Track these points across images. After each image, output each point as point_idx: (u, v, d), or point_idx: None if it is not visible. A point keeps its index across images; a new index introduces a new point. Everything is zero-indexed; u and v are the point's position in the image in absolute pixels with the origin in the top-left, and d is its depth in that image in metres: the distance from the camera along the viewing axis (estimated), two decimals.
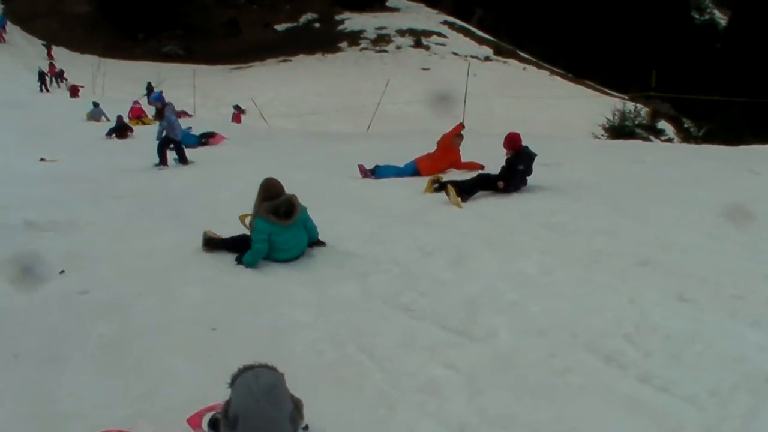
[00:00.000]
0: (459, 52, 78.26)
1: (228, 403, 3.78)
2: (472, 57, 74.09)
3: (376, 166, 16.35)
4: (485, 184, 13.50)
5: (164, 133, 20.88)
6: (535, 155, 13.60)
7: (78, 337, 7.47)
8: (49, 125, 29.75)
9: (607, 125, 33.76)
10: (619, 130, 32.23)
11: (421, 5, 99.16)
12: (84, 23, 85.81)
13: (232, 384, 3.83)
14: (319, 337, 7.18)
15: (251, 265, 9.54)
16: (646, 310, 7.18)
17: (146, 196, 15.14)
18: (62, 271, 9.66)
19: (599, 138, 32.03)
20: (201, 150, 24.87)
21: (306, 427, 4.86)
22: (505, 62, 78.20)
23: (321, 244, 10.34)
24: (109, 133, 29.85)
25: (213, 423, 5.06)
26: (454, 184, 13.17)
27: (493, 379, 6.10)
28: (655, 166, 15.84)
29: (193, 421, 5.38)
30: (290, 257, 9.78)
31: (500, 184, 13.34)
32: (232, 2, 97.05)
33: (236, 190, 11.90)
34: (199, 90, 49.93)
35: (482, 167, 15.36)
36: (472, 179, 13.69)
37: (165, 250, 10.69)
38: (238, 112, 46.00)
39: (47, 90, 49.77)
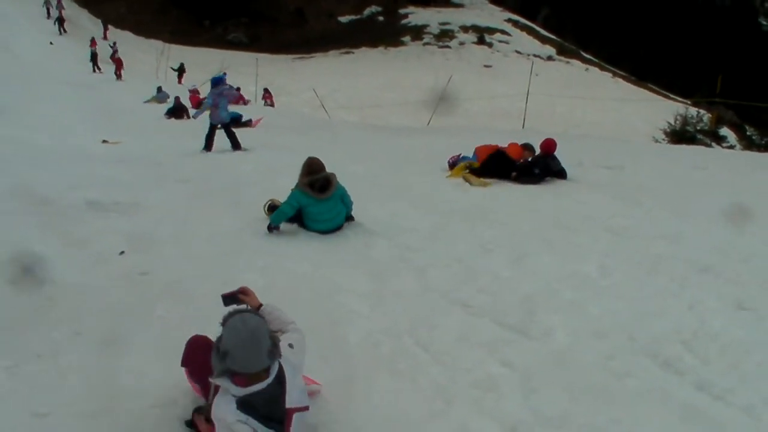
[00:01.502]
0: (522, 51, 78.01)
1: (219, 339, 4.64)
2: (535, 56, 73.84)
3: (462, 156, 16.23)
4: (500, 164, 14.50)
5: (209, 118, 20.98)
6: (557, 169, 14.31)
7: (138, 317, 7.56)
8: (112, 107, 29.96)
9: (668, 130, 33.38)
10: (680, 135, 31.88)
11: (486, 2, 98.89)
12: (151, 8, 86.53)
13: (223, 324, 4.68)
14: (376, 329, 7.22)
15: (274, 221, 10.87)
16: (705, 317, 7.14)
17: (209, 180, 15.18)
18: (122, 252, 9.75)
19: (660, 142, 31.72)
20: (261, 138, 24.98)
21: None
22: (568, 62, 77.80)
23: (351, 219, 11.30)
24: (167, 114, 31.15)
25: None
26: (472, 171, 14.39)
27: (549, 378, 6.09)
28: (717, 172, 15.70)
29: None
30: (327, 228, 10.88)
31: (513, 174, 14.33)
32: None
33: (296, 178, 11.98)
34: (261, 78, 50.10)
35: None
36: (489, 156, 14.70)
37: (226, 234, 10.77)
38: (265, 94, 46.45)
39: (100, 70, 49.98)
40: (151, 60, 58.45)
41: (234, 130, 21.42)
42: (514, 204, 12.46)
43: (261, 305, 5.58)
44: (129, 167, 16.37)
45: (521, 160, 14.92)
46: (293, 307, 7.28)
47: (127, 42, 72.95)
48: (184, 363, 5.69)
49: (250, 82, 48.44)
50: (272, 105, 45.25)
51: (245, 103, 42.34)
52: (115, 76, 46.87)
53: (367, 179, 14.48)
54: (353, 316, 7.56)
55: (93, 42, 58.88)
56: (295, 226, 11.12)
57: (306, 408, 5.01)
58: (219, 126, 20.75)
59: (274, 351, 4.68)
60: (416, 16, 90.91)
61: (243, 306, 5.35)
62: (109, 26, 73.40)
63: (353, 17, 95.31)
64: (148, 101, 36.52)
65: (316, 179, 10.78)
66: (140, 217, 11.85)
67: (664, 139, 32.61)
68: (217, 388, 4.86)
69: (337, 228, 11.02)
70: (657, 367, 6.22)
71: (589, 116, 49.70)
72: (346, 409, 5.68)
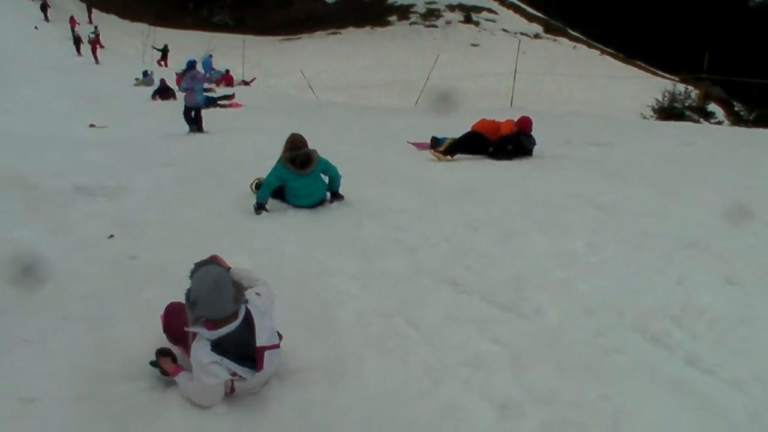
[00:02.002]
0: (509, 29, 78.04)
1: (189, 290, 5.33)
2: (522, 34, 73.91)
3: (434, 138, 16.35)
4: (475, 143, 15.00)
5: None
6: (530, 147, 14.84)
7: (126, 301, 7.53)
8: (97, 91, 29.91)
9: (656, 106, 33.48)
10: (668, 112, 31.96)
11: None
12: None
13: (191, 276, 5.42)
14: (366, 309, 7.21)
15: (261, 196, 11.18)
16: (693, 292, 7.17)
17: (195, 163, 15.19)
18: (111, 236, 9.74)
19: (648, 119, 31.77)
20: (249, 120, 24.99)
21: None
22: (555, 40, 77.85)
23: (339, 197, 11.56)
24: (153, 95, 31.70)
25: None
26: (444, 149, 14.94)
27: (539, 355, 6.11)
28: (704, 149, 15.74)
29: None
30: (306, 204, 11.27)
31: (490, 150, 14.93)
32: None
33: None
34: (248, 60, 50.08)
35: None
36: (464, 135, 15.11)
37: (213, 217, 10.78)
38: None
39: (81, 54, 49.87)
40: (136, 43, 58.35)
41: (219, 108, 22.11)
42: (502, 183, 12.49)
43: (230, 268, 6.11)
44: (115, 151, 16.38)
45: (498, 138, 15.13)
46: (282, 288, 7.32)
47: (112, 25, 72.89)
48: (165, 330, 6.19)
49: (237, 64, 48.35)
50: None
51: (233, 84, 42.44)
52: (93, 58, 46.89)
53: (356, 160, 14.49)
54: (343, 296, 7.55)
55: (72, 20, 58.83)
56: (283, 205, 11.33)
57: (277, 346, 5.65)
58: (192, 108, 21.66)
59: (239, 297, 5.38)
60: None
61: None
62: (94, 9, 73.15)
63: None
64: (136, 85, 36.58)
65: (297, 154, 11.17)
66: (127, 201, 11.84)
67: (652, 116, 32.73)
68: (194, 336, 5.43)
69: (317, 204, 11.36)
70: (646, 343, 6.24)
71: (576, 94, 49.81)
72: (335, 389, 5.69)
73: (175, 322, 5.88)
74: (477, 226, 9.75)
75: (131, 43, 60.94)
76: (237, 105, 31.95)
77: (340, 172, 11.56)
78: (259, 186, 11.68)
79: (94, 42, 49.21)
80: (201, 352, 5.27)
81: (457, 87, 44.63)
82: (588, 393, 5.50)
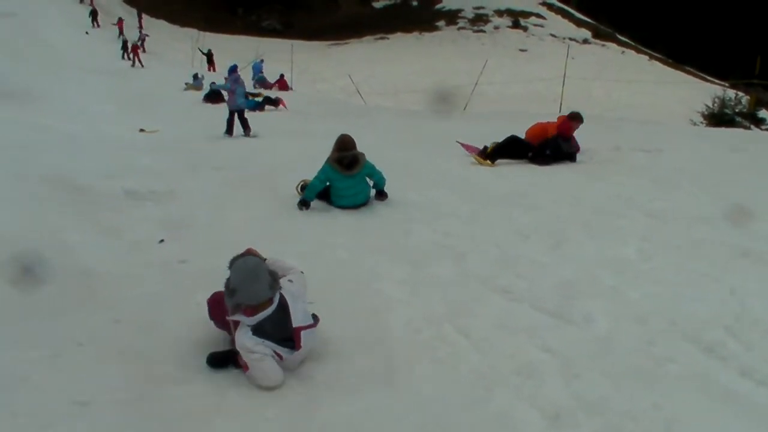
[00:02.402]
0: (557, 34, 77.73)
1: (228, 279, 5.90)
2: (571, 39, 73.63)
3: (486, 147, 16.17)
4: (516, 147, 15.01)
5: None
6: (569, 151, 14.83)
7: (176, 304, 7.61)
8: (147, 95, 30.20)
9: (706, 112, 33.09)
10: (718, 118, 31.56)
11: None
12: None
13: (230, 267, 5.93)
14: (416, 316, 7.18)
15: (307, 195, 11.72)
16: (747, 301, 7.05)
17: (244, 167, 15.27)
18: (161, 240, 9.83)
19: (697, 125, 31.45)
20: (297, 124, 25.09)
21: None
22: (603, 45, 77.43)
23: (383, 196, 11.95)
24: (205, 99, 32.08)
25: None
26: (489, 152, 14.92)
27: (591, 364, 6.05)
28: (755, 155, 15.54)
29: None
30: (349, 204, 11.67)
31: (530, 155, 14.85)
32: None
33: None
34: (296, 65, 50.21)
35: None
36: (505, 139, 15.09)
37: (262, 221, 10.82)
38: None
39: (130, 59, 50.36)
40: (186, 48, 58.67)
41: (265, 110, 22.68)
42: (551, 189, 12.42)
43: (265, 259, 6.45)
44: (165, 155, 16.48)
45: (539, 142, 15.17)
46: (332, 295, 7.37)
47: (162, 30, 73.51)
48: (211, 316, 6.63)
49: (286, 69, 48.49)
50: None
51: (287, 89, 42.75)
52: (135, 63, 47.40)
53: (403, 164, 14.49)
54: (393, 302, 7.54)
55: (120, 22, 59.59)
56: (331, 209, 11.61)
57: (312, 326, 6.18)
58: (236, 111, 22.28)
59: (274, 284, 5.89)
60: (450, 1, 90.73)
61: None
62: (144, 15, 73.74)
63: (388, 2, 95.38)
64: (186, 89, 36.85)
65: (345, 156, 11.61)
66: (176, 205, 11.93)
67: (701, 122, 32.33)
68: (236, 325, 5.95)
69: (360, 205, 11.72)
70: (699, 353, 6.16)
71: (625, 99, 49.45)
72: (386, 396, 5.67)
73: (221, 309, 6.21)
74: (526, 233, 9.70)
75: (180, 47, 61.37)
76: (282, 102, 32.72)
77: (384, 176, 11.93)
78: (304, 188, 12.07)
79: (135, 47, 49.67)
80: (244, 338, 5.82)
81: (504, 92, 44.75)
82: (640, 402, 5.43)
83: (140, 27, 67.83)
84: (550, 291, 7.62)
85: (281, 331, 5.89)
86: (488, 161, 14.92)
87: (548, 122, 15.62)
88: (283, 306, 5.94)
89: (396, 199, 11.68)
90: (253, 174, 14.37)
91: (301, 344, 5.99)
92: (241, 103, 22.59)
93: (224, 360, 6.21)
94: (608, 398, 5.52)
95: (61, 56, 42.51)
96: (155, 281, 8.30)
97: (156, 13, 79.47)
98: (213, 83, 32.17)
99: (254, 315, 5.79)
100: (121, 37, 54.25)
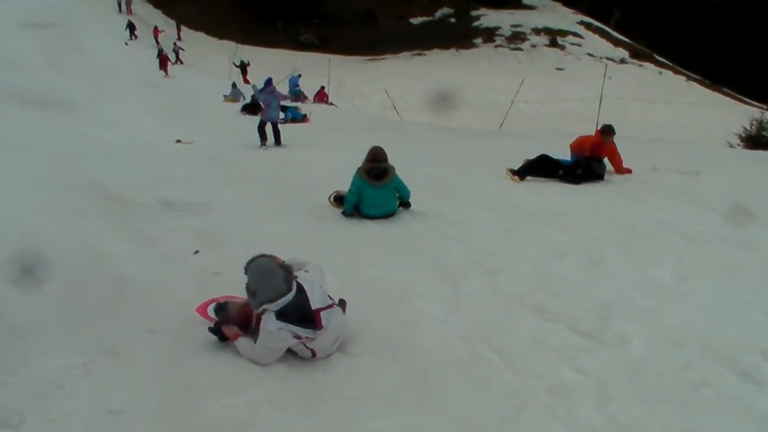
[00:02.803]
0: (594, 54, 77.42)
1: (247, 283, 6.60)
2: (608, 59, 73.28)
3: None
4: (546, 166, 14.99)
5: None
6: (600, 172, 14.82)
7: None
8: (186, 106, 30.27)
9: (743, 134, 32.86)
10: (756, 140, 31.31)
11: (558, 4, 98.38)
12: (223, 9, 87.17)
13: (245, 271, 6.62)
14: (450, 333, 7.19)
15: (347, 210, 12.15)
16: None
17: (280, 180, 15.31)
18: (197, 251, 9.85)
19: (735, 147, 31.22)
20: (333, 138, 25.16)
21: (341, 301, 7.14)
22: (641, 65, 77.05)
23: (407, 206, 12.29)
24: (243, 110, 32.21)
25: (217, 309, 7.45)
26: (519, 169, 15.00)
27: (624, 386, 6.03)
28: None
29: (201, 310, 7.50)
30: (375, 214, 11.96)
31: (560, 172, 14.94)
32: None
33: None
34: (333, 80, 50.34)
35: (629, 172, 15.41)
36: (536, 157, 15.14)
37: (297, 235, 10.83)
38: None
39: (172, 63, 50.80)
40: (223, 60, 58.88)
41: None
42: (587, 208, 12.36)
43: (284, 261, 7.02)
44: (201, 167, 16.58)
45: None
46: (366, 310, 7.39)
47: (201, 42, 73.86)
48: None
49: (323, 83, 48.62)
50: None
51: (329, 103, 42.99)
52: (163, 72, 47.82)
53: (439, 181, 14.51)
54: (427, 319, 7.54)
55: (156, 30, 60.14)
56: (366, 224, 11.68)
57: (331, 306, 6.80)
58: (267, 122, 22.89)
59: (288, 276, 6.58)
60: (488, 18, 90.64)
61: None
62: (183, 27, 74.15)
63: (425, 19, 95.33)
64: (225, 101, 37.01)
65: (374, 167, 11.96)
66: (212, 216, 11.96)
67: (739, 144, 32.11)
68: (258, 318, 6.57)
69: (386, 215, 12.01)
70: (735, 377, 6.12)
71: (662, 120, 49.24)
72: (420, 412, 5.68)
73: (243, 319, 7.00)
74: (561, 252, 9.66)
75: (218, 60, 61.59)
76: (307, 119, 32.83)
77: (410, 190, 12.20)
78: (337, 198, 12.64)
79: (165, 57, 50.00)
80: (269, 322, 6.41)
81: (539, 110, 44.69)
82: (674, 426, 5.41)
83: (178, 39, 68.25)
84: (585, 311, 7.61)
85: (302, 314, 6.51)
86: (516, 177, 15.00)
87: (588, 135, 15.72)
88: (301, 292, 6.59)
89: (431, 216, 11.71)
90: (288, 187, 14.40)
91: (323, 324, 6.60)
92: (274, 116, 23.18)
93: (218, 330, 6.92)
94: (642, 422, 5.50)
95: (101, 66, 42.82)
96: (190, 292, 8.30)
97: (195, 26, 79.76)
98: (254, 86, 32.35)
99: (276, 302, 6.41)
100: (158, 47, 54.62)
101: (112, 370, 6.19)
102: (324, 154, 19.66)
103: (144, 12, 72.55)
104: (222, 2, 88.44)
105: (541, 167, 15.16)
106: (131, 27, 58.42)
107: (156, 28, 63.35)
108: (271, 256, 6.84)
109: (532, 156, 15.46)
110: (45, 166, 13.46)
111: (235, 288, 8.12)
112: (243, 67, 53.54)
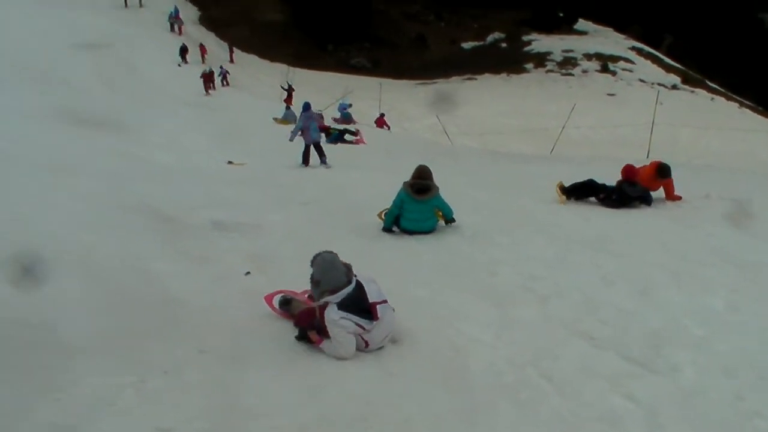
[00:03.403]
0: (646, 79, 76.86)
1: (312, 274, 7.50)
2: (659, 84, 72.72)
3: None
4: (591, 189, 15.26)
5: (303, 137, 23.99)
6: (633, 195, 14.86)
7: (261, 337, 7.72)
8: (237, 127, 30.48)
9: None
10: None
11: (610, 29, 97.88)
12: (276, 32, 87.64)
13: (312, 264, 7.53)
14: (498, 357, 7.17)
15: (387, 224, 12.85)
16: None
17: (330, 202, 15.35)
18: (248, 273, 9.90)
19: None
20: (383, 161, 25.24)
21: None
22: (692, 91, 76.38)
23: (452, 221, 12.80)
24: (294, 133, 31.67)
25: (282, 302, 8.41)
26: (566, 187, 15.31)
27: (676, 415, 5.97)
28: None
29: (268, 299, 8.55)
30: (414, 229, 12.55)
31: (601, 196, 15.22)
32: (421, 18, 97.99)
33: None
34: (384, 103, 50.44)
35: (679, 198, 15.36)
36: (583, 181, 15.36)
37: (346, 258, 10.77)
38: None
39: (213, 88, 51.25)
40: (274, 82, 59.17)
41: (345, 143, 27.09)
42: (638, 235, 12.28)
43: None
44: (252, 188, 16.68)
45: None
46: (414, 333, 7.42)
47: (252, 64, 74.30)
48: (297, 324, 7.78)
49: (373, 107, 48.77)
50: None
51: (388, 128, 43.16)
52: (207, 92, 48.29)
53: (489, 205, 14.50)
54: (475, 343, 7.53)
55: (202, 48, 60.76)
56: (414, 248, 11.81)
57: (385, 301, 7.51)
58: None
59: (348, 272, 7.51)
60: (539, 43, 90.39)
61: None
62: (235, 49, 74.67)
63: (476, 43, 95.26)
64: (278, 123, 37.15)
65: (418, 183, 12.61)
66: (263, 238, 12.06)
67: None
68: (321, 311, 7.26)
69: (425, 232, 12.55)
70: None
71: (713, 146, 48.74)
72: None
73: (307, 317, 7.62)
74: (612, 278, 9.60)
75: (269, 82, 61.90)
76: (362, 141, 33.27)
77: (452, 209, 12.72)
78: (386, 214, 13.02)
79: (206, 76, 50.44)
80: (331, 312, 7.13)
81: (590, 136, 44.49)
82: None
83: (230, 61, 68.77)
84: (636, 338, 7.55)
85: (360, 306, 7.26)
86: (564, 197, 15.34)
87: (642, 167, 15.62)
88: (359, 286, 7.40)
89: (480, 239, 11.71)
90: (338, 209, 14.46)
91: (378, 315, 7.32)
92: (315, 136, 23.85)
93: (304, 336, 7.52)
94: None
95: (154, 87, 43.27)
96: (240, 313, 8.38)
97: (248, 48, 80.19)
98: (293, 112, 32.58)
99: (337, 293, 7.22)
100: (203, 66, 55.14)
101: (162, 389, 6.26)
102: (373, 176, 19.70)
103: (198, 34, 73.20)
104: (275, 26, 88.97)
105: (585, 190, 15.38)
106: (183, 51, 58.87)
107: (202, 45, 63.93)
108: (335, 253, 7.64)
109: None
110: (99, 186, 13.63)
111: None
112: (289, 91, 53.73)
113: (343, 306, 7.18)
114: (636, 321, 8.08)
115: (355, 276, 7.54)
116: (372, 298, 7.40)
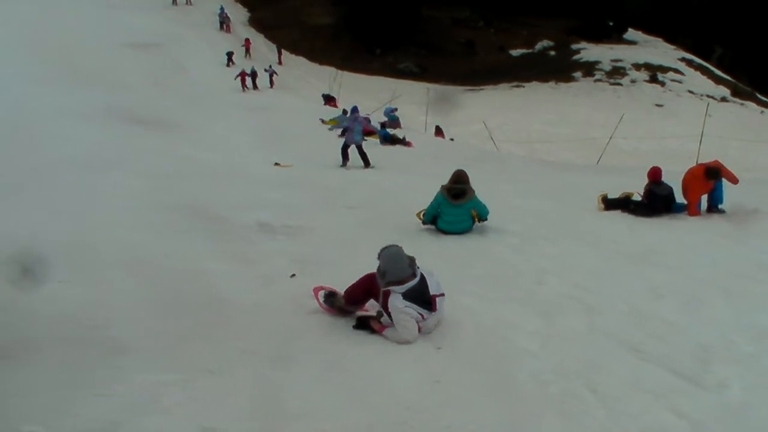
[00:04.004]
0: (695, 91, 76.30)
1: (378, 266, 8.06)
2: (708, 96, 72.18)
3: None
4: (627, 202, 15.51)
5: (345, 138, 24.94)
6: (661, 194, 15.03)
7: (306, 339, 7.78)
8: (284, 129, 30.62)
9: None
10: None
11: (659, 39, 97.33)
12: (325, 35, 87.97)
13: (379, 256, 8.11)
14: (544, 368, 7.13)
15: (426, 220, 13.47)
16: None
17: (377, 207, 15.36)
18: (293, 275, 9.93)
19: None
20: (430, 166, 25.22)
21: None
22: (742, 104, 75.72)
23: (484, 220, 13.24)
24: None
25: (327, 295, 8.78)
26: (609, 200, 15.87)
27: (722, 431, 5.91)
28: None
29: (316, 291, 8.91)
30: (449, 230, 13.15)
31: (632, 206, 15.44)
32: (470, 24, 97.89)
33: None
34: (431, 108, 50.42)
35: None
36: (624, 198, 15.71)
37: None
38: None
39: (255, 87, 51.63)
40: (323, 86, 59.37)
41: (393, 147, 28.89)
42: (687, 248, 12.17)
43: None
44: (299, 191, 16.76)
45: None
46: (461, 341, 7.41)
47: (301, 67, 74.71)
48: (347, 302, 8.54)
49: (420, 112, 48.75)
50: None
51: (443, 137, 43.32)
52: (244, 89, 48.78)
53: (536, 214, 14.47)
54: (521, 353, 7.49)
55: (247, 42, 61.47)
56: (461, 251, 12.01)
57: (442, 294, 8.09)
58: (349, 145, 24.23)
59: (412, 264, 8.07)
60: (588, 52, 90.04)
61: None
62: (284, 51, 75.06)
63: (524, 51, 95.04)
64: (330, 128, 37.21)
65: (454, 187, 13.23)
66: (309, 240, 12.13)
67: None
68: (385, 296, 7.89)
69: (460, 232, 13.12)
70: None
71: (762, 160, 48.24)
72: None
73: (356, 293, 8.43)
74: (660, 292, 9.51)
75: (317, 84, 62.14)
76: (410, 144, 33.51)
77: (488, 209, 13.10)
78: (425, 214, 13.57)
79: (243, 74, 50.88)
80: (396, 301, 7.73)
81: (637, 147, 44.23)
82: None
83: (279, 63, 69.14)
84: (683, 353, 7.47)
85: (422, 297, 7.84)
86: (602, 205, 15.74)
87: (689, 169, 15.58)
88: (422, 279, 7.98)
89: (527, 249, 11.70)
90: (384, 214, 14.49)
91: (436, 307, 7.96)
92: (358, 139, 24.24)
93: (364, 324, 8.17)
94: None
95: (202, 87, 43.67)
96: (286, 315, 8.43)
97: (296, 51, 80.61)
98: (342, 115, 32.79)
99: (403, 285, 7.82)
100: (250, 62, 55.62)
101: (207, 388, 6.31)
102: (420, 181, 19.65)
103: (247, 35, 73.57)
104: (324, 29, 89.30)
105: (623, 203, 15.65)
106: (230, 54, 59.24)
107: (247, 39, 64.54)
108: (400, 247, 8.23)
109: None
110: (148, 186, 13.78)
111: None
112: (327, 99, 53.85)
113: (407, 296, 7.75)
114: (684, 335, 8.00)
115: (418, 268, 8.10)
116: (432, 290, 7.97)
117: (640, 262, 11.14)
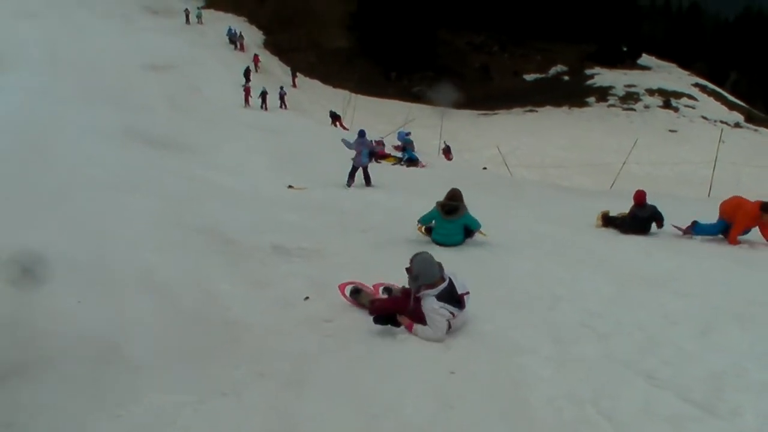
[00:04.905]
0: (708, 117, 76.30)
1: (410, 268, 8.83)
2: (722, 122, 72.17)
3: (695, 223, 16.18)
4: (618, 220, 16.89)
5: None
6: (643, 216, 16.29)
7: (320, 363, 7.76)
8: (298, 151, 30.71)
9: None
10: None
11: (673, 65, 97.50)
12: (340, 59, 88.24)
13: (411, 262, 8.86)
14: (557, 394, 7.11)
15: (421, 222, 14.97)
16: None
17: (391, 231, 15.36)
18: (307, 298, 9.96)
19: None
20: (443, 190, 25.23)
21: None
22: (756, 130, 75.63)
23: (472, 235, 14.38)
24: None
25: (353, 291, 9.88)
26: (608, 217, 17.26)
27: None
28: None
29: (342, 287, 9.95)
30: (441, 242, 14.19)
31: (617, 223, 16.84)
32: (485, 49, 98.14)
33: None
34: (445, 132, 50.49)
35: None
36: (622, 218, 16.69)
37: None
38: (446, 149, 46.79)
39: (265, 108, 51.83)
40: (336, 108, 59.54)
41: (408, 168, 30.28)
42: (702, 274, 12.14)
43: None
44: (312, 213, 16.81)
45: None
46: (475, 366, 7.37)
47: (315, 90, 74.94)
48: (374, 313, 8.95)
49: (434, 136, 48.83)
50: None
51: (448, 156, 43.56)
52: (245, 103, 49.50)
53: (550, 240, 14.48)
54: (535, 379, 7.48)
55: (256, 58, 61.88)
56: (475, 275, 11.38)
57: (468, 293, 8.94)
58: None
59: (441, 269, 8.85)
60: (602, 77, 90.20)
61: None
62: (298, 74, 75.34)
63: (538, 75, 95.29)
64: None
65: (448, 204, 14.45)
66: (323, 263, 12.15)
67: None
68: (418, 301, 8.68)
69: (451, 245, 14.03)
70: None
71: None
72: None
73: (386, 307, 9.04)
74: (674, 318, 9.47)
75: (331, 107, 62.29)
76: (423, 165, 34.79)
77: (480, 223, 14.26)
78: (428, 230, 14.82)
79: (248, 89, 51.91)
80: (432, 303, 8.49)
81: (651, 172, 44.17)
82: None
83: (293, 85, 69.45)
84: (697, 380, 7.44)
85: (452, 297, 8.65)
86: (601, 222, 17.02)
87: (745, 200, 15.62)
88: (451, 281, 8.79)
89: (541, 275, 11.68)
90: (398, 238, 14.55)
91: (465, 305, 8.84)
92: (365, 161, 25.71)
93: (387, 319, 8.71)
94: None
95: (217, 108, 43.77)
96: (300, 338, 8.46)
97: (311, 74, 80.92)
98: (344, 140, 32.99)
99: (436, 287, 8.62)
100: (258, 76, 56.02)
101: (221, 410, 6.36)
102: (433, 205, 19.73)
103: (262, 58, 73.78)
104: (340, 52, 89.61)
105: (616, 221, 16.78)
106: (247, 73, 59.47)
107: (256, 56, 64.94)
108: (430, 254, 9.08)
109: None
110: (163, 207, 13.85)
111: (348, 337, 8.27)
112: (334, 118, 54.01)
113: (441, 298, 8.53)
114: (697, 362, 7.97)
115: (447, 274, 8.89)
116: (460, 290, 8.82)
117: (653, 287, 11.11)
